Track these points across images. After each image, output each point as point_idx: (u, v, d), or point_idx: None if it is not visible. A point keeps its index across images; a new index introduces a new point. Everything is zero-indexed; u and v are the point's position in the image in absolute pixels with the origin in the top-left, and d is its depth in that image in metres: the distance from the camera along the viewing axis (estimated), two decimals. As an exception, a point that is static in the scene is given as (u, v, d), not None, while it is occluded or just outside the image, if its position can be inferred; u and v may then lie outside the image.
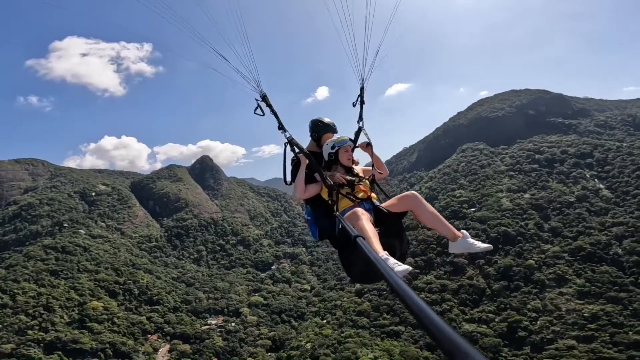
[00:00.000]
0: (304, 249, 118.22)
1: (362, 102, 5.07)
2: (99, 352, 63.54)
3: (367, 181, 4.59)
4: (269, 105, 4.88)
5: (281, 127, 4.79)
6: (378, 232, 3.72)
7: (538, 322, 58.95)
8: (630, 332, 52.63)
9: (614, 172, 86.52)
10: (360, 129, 5.00)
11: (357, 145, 4.98)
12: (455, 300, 67.57)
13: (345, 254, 4.19)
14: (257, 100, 4.86)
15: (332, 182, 4.40)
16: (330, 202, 4.41)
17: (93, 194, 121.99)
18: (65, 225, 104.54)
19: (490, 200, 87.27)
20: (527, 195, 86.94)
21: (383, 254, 3.33)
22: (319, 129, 5.02)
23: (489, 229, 77.71)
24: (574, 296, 60.21)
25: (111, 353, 64.26)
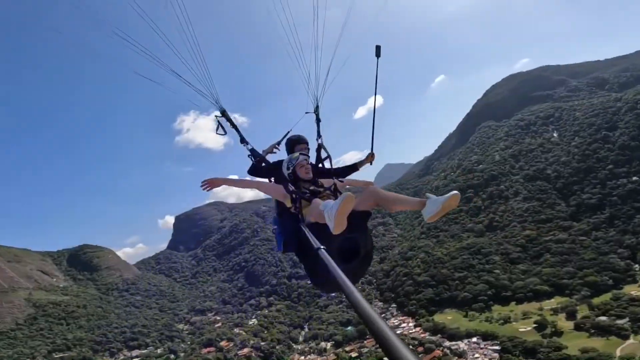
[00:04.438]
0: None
1: (319, 120, 5.58)
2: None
3: (329, 192, 4.73)
4: (229, 120, 5.16)
5: (243, 140, 5.25)
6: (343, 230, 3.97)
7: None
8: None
9: (562, 123, 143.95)
10: (320, 146, 5.43)
11: (322, 158, 5.46)
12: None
13: (308, 264, 4.45)
14: (217, 117, 5.13)
15: (293, 189, 4.55)
16: (294, 209, 4.55)
17: (263, 214, 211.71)
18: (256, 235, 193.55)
19: (489, 158, 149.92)
20: (510, 150, 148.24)
21: (329, 201, 3.78)
22: (291, 143, 5.45)
23: (482, 172, 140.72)
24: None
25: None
